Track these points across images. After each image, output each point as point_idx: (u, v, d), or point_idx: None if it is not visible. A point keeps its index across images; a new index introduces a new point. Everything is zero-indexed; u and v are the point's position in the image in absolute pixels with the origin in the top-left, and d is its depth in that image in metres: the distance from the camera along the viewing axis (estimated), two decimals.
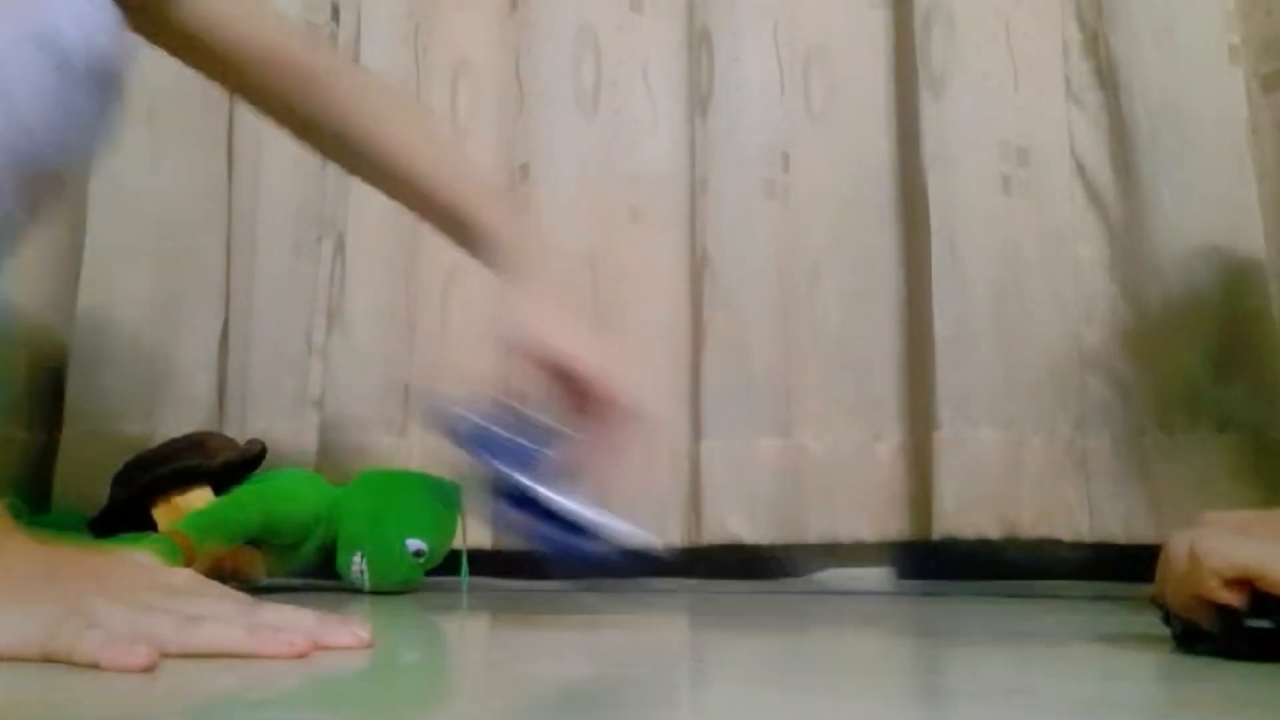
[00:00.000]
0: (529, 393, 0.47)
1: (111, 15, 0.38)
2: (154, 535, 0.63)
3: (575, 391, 0.48)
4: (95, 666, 0.33)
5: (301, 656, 0.35)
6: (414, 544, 0.69)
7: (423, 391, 0.79)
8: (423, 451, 0.83)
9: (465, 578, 0.73)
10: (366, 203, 0.82)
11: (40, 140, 0.35)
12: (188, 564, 0.61)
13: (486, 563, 0.79)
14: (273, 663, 0.39)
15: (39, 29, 0.34)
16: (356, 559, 0.69)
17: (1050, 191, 0.78)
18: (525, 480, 0.42)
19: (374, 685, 0.37)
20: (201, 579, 0.39)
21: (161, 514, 0.66)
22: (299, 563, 0.70)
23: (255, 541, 0.67)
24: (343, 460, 0.78)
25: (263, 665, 0.38)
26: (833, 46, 0.83)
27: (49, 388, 0.82)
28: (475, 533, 0.80)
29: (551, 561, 0.42)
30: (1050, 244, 0.77)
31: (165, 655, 0.34)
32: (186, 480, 0.67)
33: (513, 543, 0.80)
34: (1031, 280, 0.76)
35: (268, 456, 0.71)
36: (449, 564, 0.74)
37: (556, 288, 0.51)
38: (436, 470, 0.76)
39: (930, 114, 0.77)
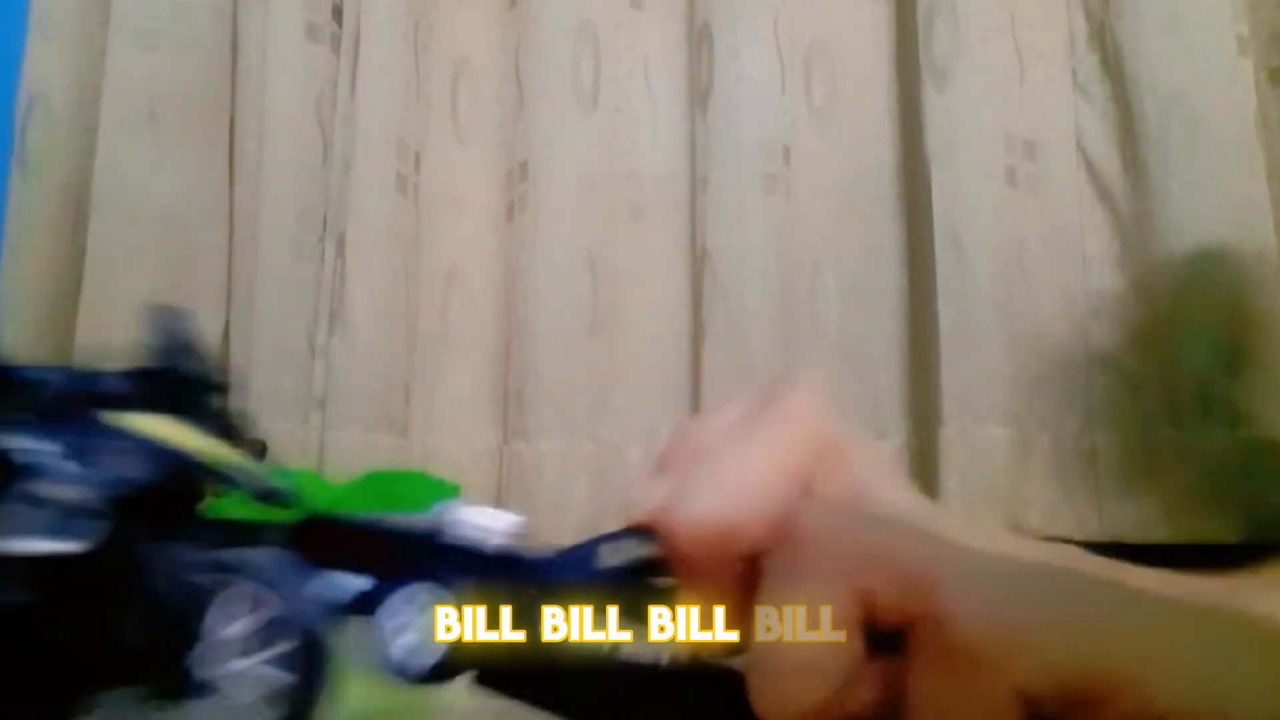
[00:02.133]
0: None
1: None
2: None
3: None
4: None
5: None
6: None
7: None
8: (423, 451, 0.83)
9: None
10: (367, 203, 0.81)
11: None
12: None
13: None
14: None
15: None
16: None
17: (1056, 185, 0.77)
18: None
19: (374, 686, 0.37)
20: None
21: None
22: None
23: None
24: (344, 460, 0.78)
25: None
26: (834, 41, 0.82)
27: None
28: None
29: None
30: (1056, 238, 0.77)
31: None
32: None
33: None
34: (1037, 275, 0.76)
35: (268, 456, 0.71)
36: None
37: None
38: (436, 470, 0.76)
39: (933, 107, 0.76)
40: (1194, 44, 0.73)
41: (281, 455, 0.79)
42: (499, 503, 0.81)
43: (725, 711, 0.16)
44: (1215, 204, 0.71)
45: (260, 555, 0.21)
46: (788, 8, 0.81)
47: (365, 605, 0.19)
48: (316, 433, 0.81)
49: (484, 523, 0.19)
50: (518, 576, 0.18)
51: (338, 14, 0.86)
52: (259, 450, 0.69)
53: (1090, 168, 0.78)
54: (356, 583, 0.19)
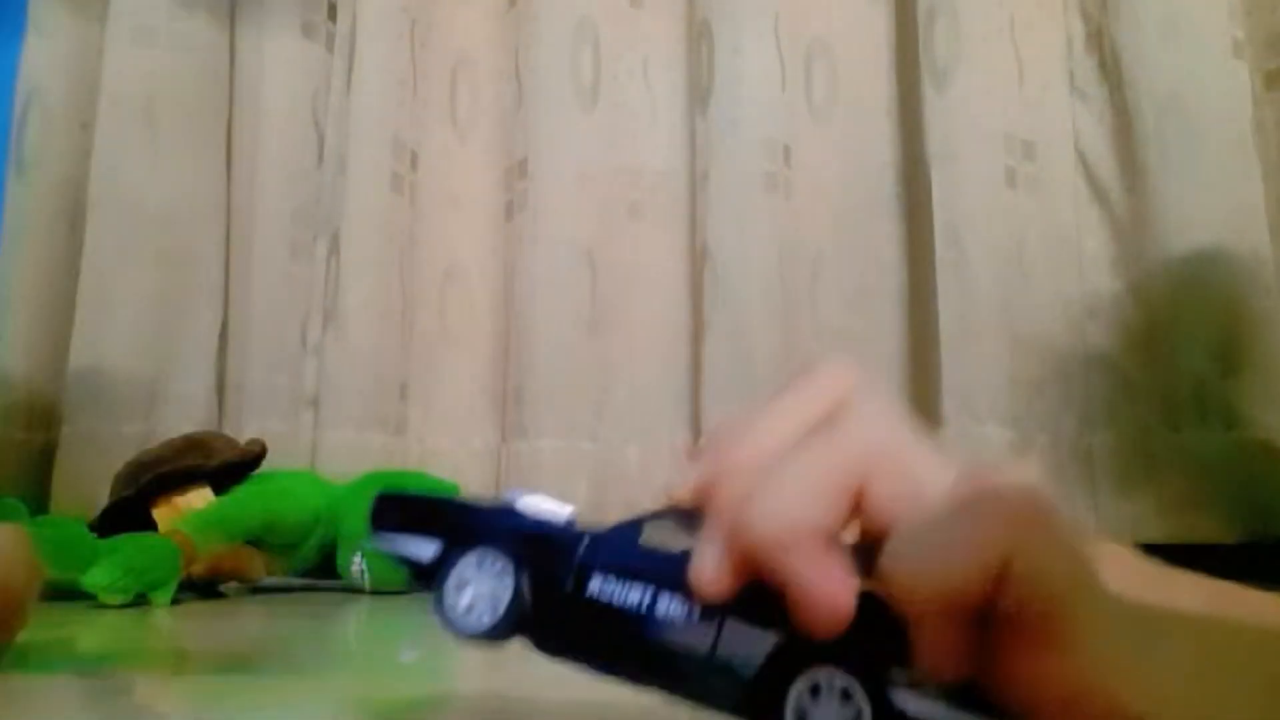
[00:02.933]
0: None
1: None
2: (154, 535, 0.62)
3: None
4: None
5: None
6: None
7: None
8: (420, 450, 0.82)
9: None
10: (361, 201, 0.81)
11: None
12: (188, 564, 0.60)
13: None
14: (272, 664, 0.39)
15: None
16: (356, 559, 0.69)
17: (1054, 186, 0.78)
18: None
19: (374, 685, 0.37)
20: None
21: (162, 514, 0.66)
22: (299, 562, 0.70)
23: (255, 541, 0.67)
24: (338, 459, 0.78)
25: (264, 666, 0.38)
26: (834, 40, 0.83)
27: (47, 388, 0.82)
28: None
29: None
30: (1055, 239, 0.77)
31: None
32: (186, 480, 0.67)
33: None
34: (1036, 276, 0.76)
35: (266, 456, 0.71)
36: None
37: None
38: (435, 469, 0.76)
39: (933, 108, 0.76)
40: (1190, 47, 0.73)
41: (277, 454, 0.79)
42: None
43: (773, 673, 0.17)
44: (1211, 205, 0.72)
45: None
46: (788, 7, 0.81)
47: (435, 569, 0.21)
48: (309, 431, 0.80)
49: (546, 508, 0.21)
50: (570, 551, 0.20)
51: (333, 12, 0.86)
52: (259, 450, 0.69)
53: (1087, 169, 0.78)
54: (429, 548, 0.21)
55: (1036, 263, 0.76)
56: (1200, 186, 0.72)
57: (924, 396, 0.77)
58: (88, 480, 0.74)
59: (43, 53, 0.85)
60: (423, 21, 0.86)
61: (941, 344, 0.74)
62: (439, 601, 0.20)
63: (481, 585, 0.20)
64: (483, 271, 0.86)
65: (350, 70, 0.83)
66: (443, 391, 0.84)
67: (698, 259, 0.80)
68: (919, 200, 0.78)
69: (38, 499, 0.78)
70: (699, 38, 0.82)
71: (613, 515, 0.69)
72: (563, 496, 0.78)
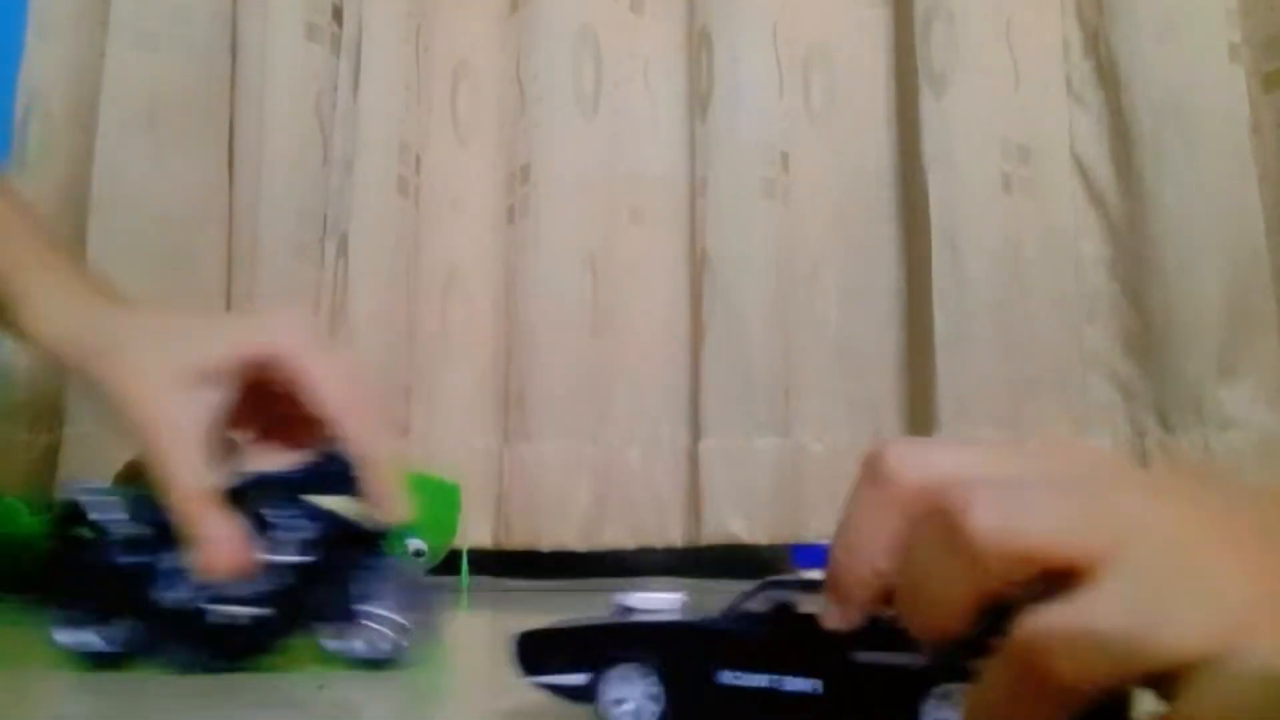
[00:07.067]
0: None
1: None
2: None
3: None
4: None
5: None
6: (414, 544, 0.69)
7: None
8: (424, 452, 0.83)
9: (465, 578, 0.73)
10: (369, 204, 0.82)
11: None
12: None
13: (486, 562, 0.79)
14: (272, 664, 0.39)
15: None
16: None
17: (1051, 190, 0.78)
18: None
19: (374, 685, 0.37)
20: None
21: None
22: None
23: None
24: None
25: (264, 666, 0.38)
26: (832, 46, 0.83)
27: (49, 388, 0.83)
28: (475, 533, 0.80)
29: None
30: (1051, 242, 0.77)
31: None
32: None
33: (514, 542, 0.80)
34: (1032, 279, 0.76)
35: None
36: (449, 564, 0.74)
37: None
38: (436, 470, 0.76)
39: (930, 112, 0.77)
40: (1187, 50, 0.73)
41: None
42: (500, 504, 0.81)
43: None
44: (1208, 208, 0.72)
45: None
46: (787, 13, 0.81)
47: (592, 690, 0.27)
48: None
49: (659, 603, 0.28)
50: (701, 649, 0.25)
51: (338, 14, 0.86)
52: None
53: (1084, 172, 0.78)
54: (580, 676, 0.27)
55: (1032, 265, 0.76)
56: (1197, 188, 0.72)
57: (920, 399, 0.78)
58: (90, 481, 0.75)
59: (45, 55, 0.86)
60: (425, 25, 0.87)
61: (937, 346, 0.74)
62: (604, 717, 0.26)
63: (634, 694, 0.26)
64: (484, 275, 0.86)
65: (357, 73, 0.83)
66: (445, 394, 0.84)
67: (697, 263, 0.81)
68: (916, 205, 0.79)
69: (40, 499, 0.79)
70: (699, 45, 0.83)
71: (613, 516, 0.70)
72: (565, 498, 0.79)
